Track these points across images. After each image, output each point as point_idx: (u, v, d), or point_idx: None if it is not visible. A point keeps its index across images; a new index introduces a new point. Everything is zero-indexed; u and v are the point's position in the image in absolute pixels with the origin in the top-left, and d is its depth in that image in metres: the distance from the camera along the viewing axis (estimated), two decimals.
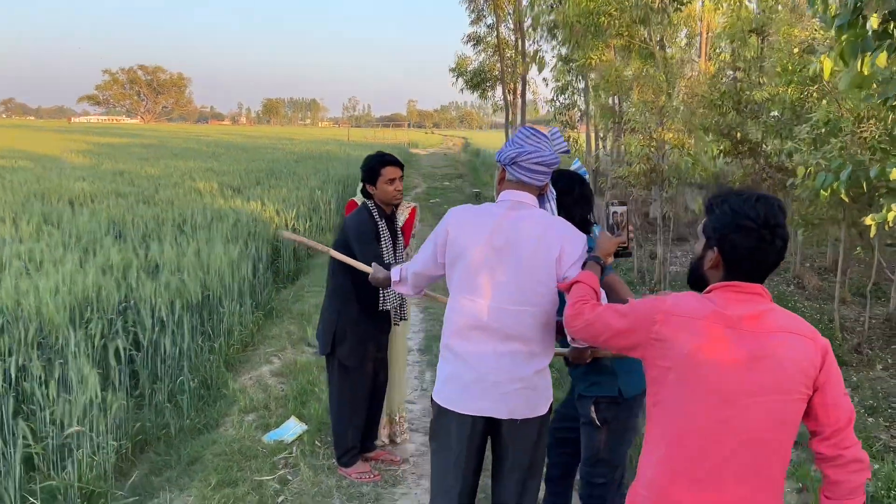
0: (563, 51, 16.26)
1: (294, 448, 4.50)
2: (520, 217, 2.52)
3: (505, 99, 22.47)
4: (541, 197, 2.70)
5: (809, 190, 6.57)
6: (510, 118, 22.73)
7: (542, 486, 2.97)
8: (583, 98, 16.81)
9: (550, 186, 2.74)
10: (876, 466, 4.84)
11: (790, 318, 1.89)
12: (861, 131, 7.69)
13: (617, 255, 2.57)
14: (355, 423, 4.07)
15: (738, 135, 9.70)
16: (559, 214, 3.09)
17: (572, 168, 3.42)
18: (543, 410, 2.59)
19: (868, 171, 5.62)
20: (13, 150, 24.70)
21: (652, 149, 9.26)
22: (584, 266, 2.45)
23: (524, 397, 2.53)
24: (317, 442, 4.56)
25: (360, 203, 4.05)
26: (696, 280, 2.04)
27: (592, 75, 11.94)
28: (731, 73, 10.46)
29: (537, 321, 2.50)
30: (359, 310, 3.90)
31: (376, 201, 3.90)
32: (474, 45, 22.79)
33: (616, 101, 11.61)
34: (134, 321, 5.44)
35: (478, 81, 22.88)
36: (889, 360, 7.76)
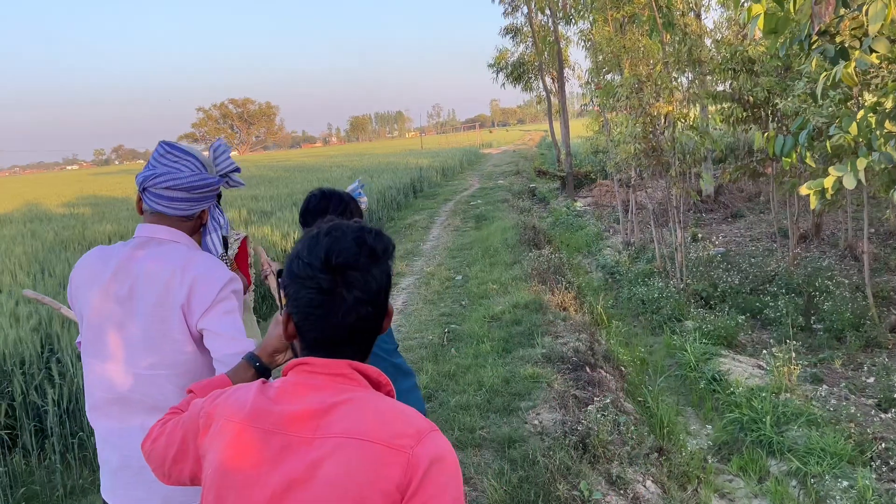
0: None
1: None
2: (147, 257, 2.02)
3: (545, 89, 21.60)
4: (203, 228, 2.19)
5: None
6: (553, 108, 21.86)
7: None
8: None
9: (216, 215, 2.22)
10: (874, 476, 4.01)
11: (371, 414, 1.21)
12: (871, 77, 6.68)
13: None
14: None
15: (751, 98, 8.69)
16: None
17: (350, 188, 2.92)
18: None
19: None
20: (88, 197, 25.98)
21: (648, 125, 8.40)
22: (241, 364, 1.72)
23: None
24: None
25: None
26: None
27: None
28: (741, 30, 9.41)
29: (180, 386, 1.99)
30: None
31: None
32: (512, 36, 22.06)
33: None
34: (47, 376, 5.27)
35: (518, 74, 22.10)
36: None
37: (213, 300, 1.96)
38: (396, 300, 8.84)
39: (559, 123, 21.94)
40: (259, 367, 1.70)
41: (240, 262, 3.75)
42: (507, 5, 21.44)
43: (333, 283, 1.23)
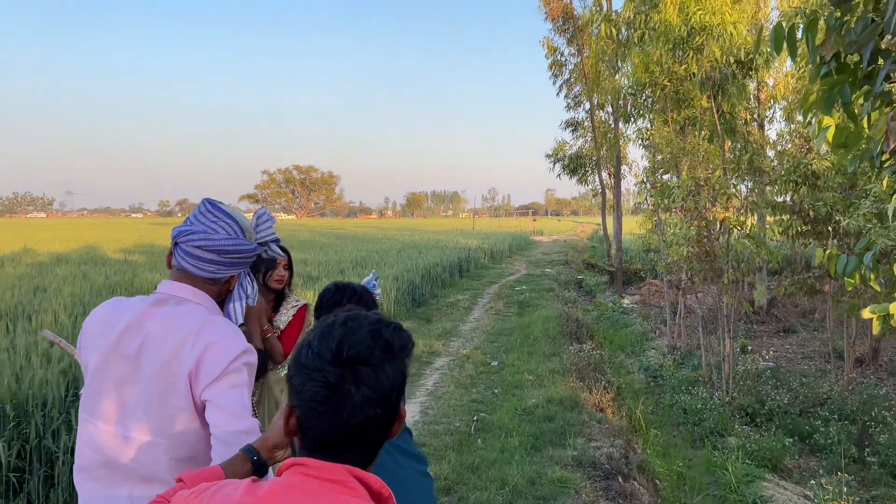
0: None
1: None
2: (163, 315, 1.93)
3: (601, 182, 21.64)
4: (229, 294, 2.10)
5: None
6: (607, 203, 21.83)
7: None
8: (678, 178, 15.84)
9: (245, 282, 2.13)
10: None
11: None
12: None
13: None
14: None
15: (812, 213, 8.46)
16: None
17: (365, 280, 2.91)
18: None
19: None
20: (145, 245, 26.65)
21: (703, 229, 8.22)
22: (240, 455, 1.61)
23: None
24: None
25: None
26: None
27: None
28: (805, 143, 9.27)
29: (175, 458, 1.87)
30: None
31: None
32: (572, 130, 22.35)
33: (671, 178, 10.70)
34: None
35: (575, 167, 22.27)
36: None
37: (222, 371, 1.85)
38: (428, 380, 8.64)
39: (612, 218, 21.86)
40: (256, 462, 1.59)
41: (289, 332, 3.62)
42: (570, 100, 21.92)
43: (341, 378, 1.13)
